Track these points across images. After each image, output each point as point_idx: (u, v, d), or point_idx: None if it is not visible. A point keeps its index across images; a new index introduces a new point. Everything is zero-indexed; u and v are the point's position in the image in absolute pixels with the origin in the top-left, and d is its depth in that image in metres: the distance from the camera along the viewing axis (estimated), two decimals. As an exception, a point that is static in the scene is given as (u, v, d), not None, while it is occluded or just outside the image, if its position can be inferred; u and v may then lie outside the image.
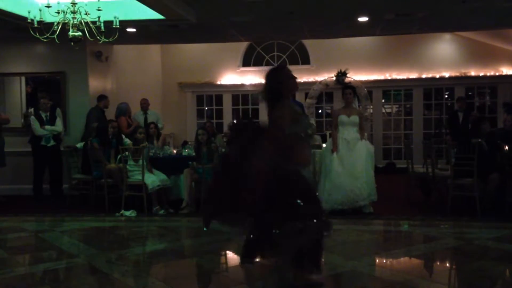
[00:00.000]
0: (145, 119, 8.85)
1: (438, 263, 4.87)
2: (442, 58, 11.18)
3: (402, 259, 4.82)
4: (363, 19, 7.74)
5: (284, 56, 11.72)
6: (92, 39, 6.06)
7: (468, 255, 4.75)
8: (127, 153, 7.00)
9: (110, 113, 8.64)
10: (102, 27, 5.87)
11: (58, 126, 7.95)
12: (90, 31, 5.89)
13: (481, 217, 6.22)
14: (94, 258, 4.76)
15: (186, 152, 7.65)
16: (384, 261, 4.77)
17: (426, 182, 7.39)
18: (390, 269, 4.49)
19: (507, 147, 6.67)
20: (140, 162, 6.85)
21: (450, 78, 11.12)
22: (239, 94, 11.93)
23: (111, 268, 4.47)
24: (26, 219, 6.76)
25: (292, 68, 3.62)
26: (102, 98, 8.36)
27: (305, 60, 11.64)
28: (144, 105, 9.03)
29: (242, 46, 11.62)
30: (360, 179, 6.41)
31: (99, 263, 4.58)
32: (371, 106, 11.45)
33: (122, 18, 6.10)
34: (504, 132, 7.27)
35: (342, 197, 6.39)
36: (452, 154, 6.77)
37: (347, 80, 11.07)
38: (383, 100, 11.77)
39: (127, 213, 6.75)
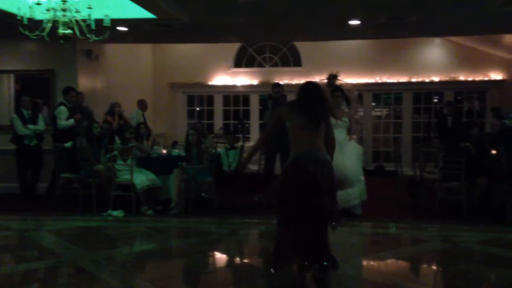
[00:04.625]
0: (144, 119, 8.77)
1: (425, 266, 4.90)
2: (432, 63, 11.26)
3: (389, 261, 4.84)
4: (354, 22, 7.78)
5: (276, 58, 11.72)
6: (82, 37, 6.01)
7: (455, 258, 4.79)
8: (115, 152, 6.94)
9: (101, 112, 8.59)
10: (93, 25, 5.82)
11: (41, 125, 7.84)
12: (80, 29, 5.84)
13: (468, 220, 6.28)
14: (81, 258, 4.72)
15: (176, 152, 7.63)
16: (372, 263, 4.79)
17: (415, 185, 7.44)
18: (377, 271, 4.51)
19: (494, 152, 6.74)
20: (129, 161, 6.81)
21: (440, 82, 11.21)
22: (230, 95, 11.91)
23: (97, 268, 4.44)
24: (12, 218, 6.69)
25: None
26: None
27: (297, 62, 11.65)
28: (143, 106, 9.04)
29: (234, 47, 11.60)
30: (351, 179, 6.47)
31: (85, 263, 4.54)
32: (362, 109, 11.50)
33: (113, 16, 6.05)
34: (492, 137, 7.33)
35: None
36: (440, 157, 6.82)
37: (338, 82, 11.09)
38: (373, 104, 11.82)
39: (115, 213, 6.70)
